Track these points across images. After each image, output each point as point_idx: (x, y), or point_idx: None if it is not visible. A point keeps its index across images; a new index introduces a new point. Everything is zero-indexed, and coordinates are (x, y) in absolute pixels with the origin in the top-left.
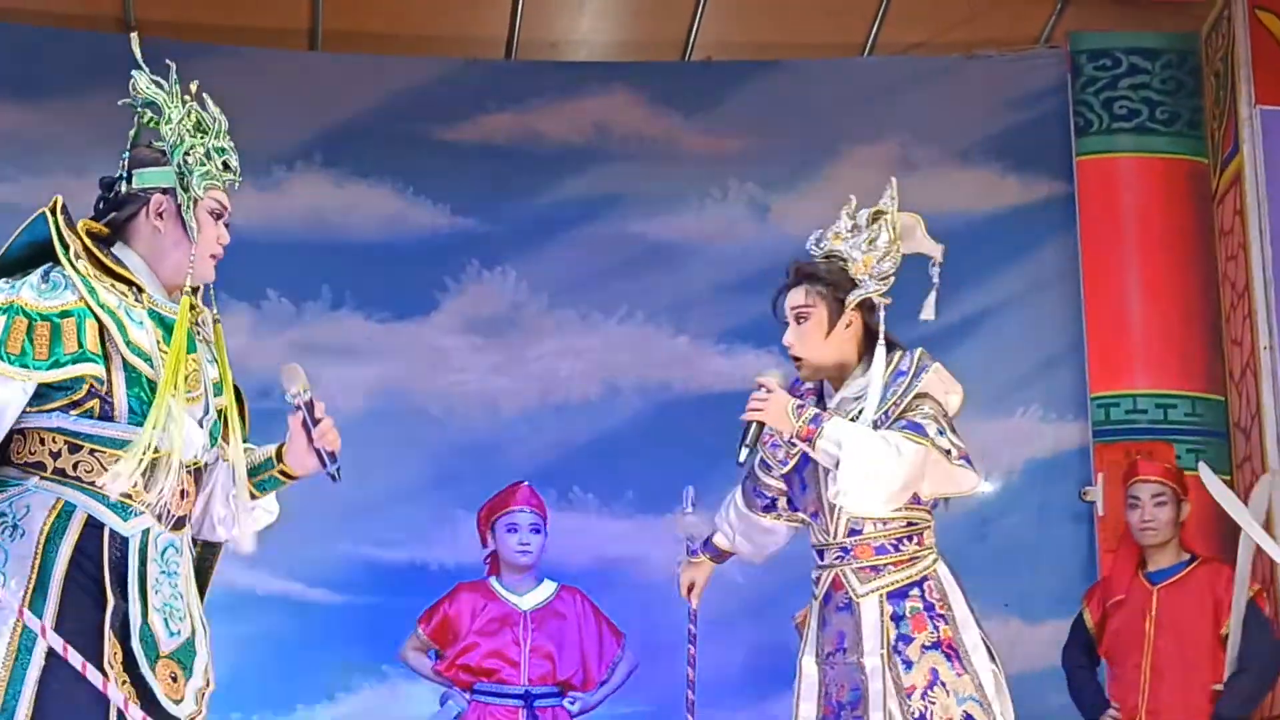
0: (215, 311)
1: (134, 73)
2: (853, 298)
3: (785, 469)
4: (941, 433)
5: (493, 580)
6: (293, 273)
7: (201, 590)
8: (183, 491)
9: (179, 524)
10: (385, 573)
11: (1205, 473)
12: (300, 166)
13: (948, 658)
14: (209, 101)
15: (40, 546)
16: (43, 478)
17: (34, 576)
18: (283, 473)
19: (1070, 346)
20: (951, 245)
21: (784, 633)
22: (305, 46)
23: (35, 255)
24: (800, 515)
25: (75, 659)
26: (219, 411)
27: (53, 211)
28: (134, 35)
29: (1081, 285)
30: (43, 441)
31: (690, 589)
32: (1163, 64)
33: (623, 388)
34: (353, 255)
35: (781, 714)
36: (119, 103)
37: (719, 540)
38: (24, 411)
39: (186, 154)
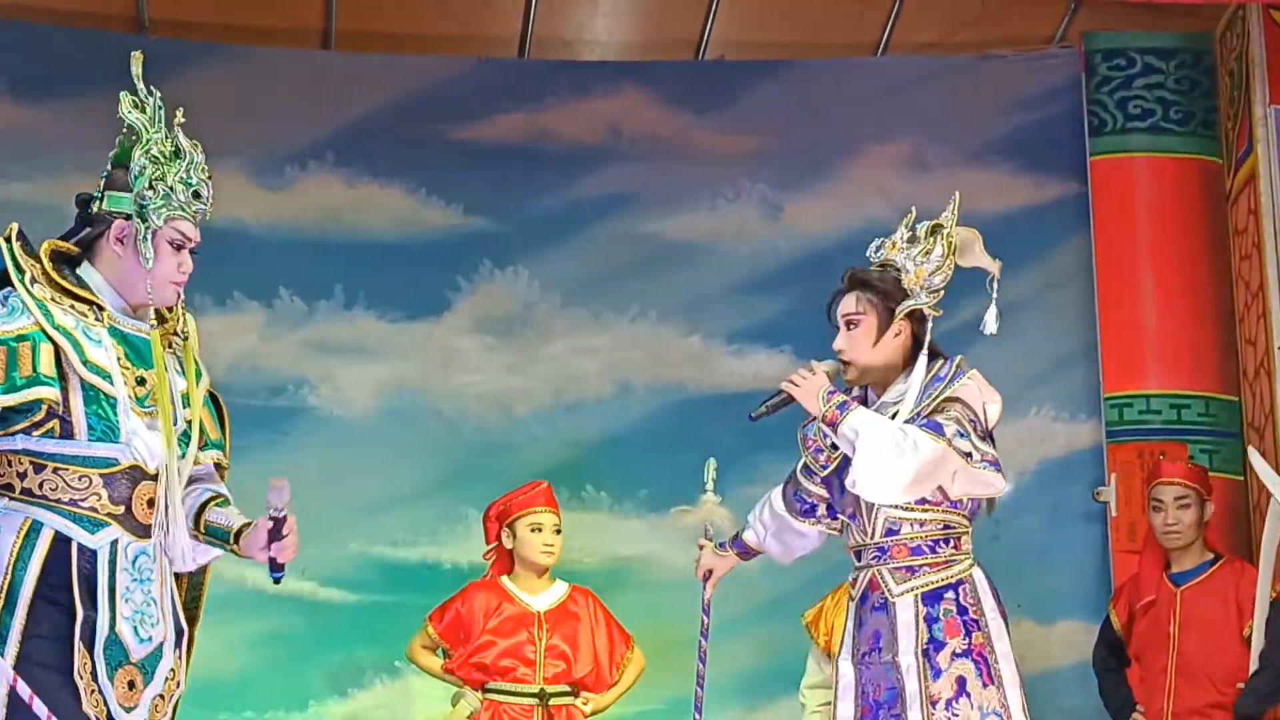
0: (185, 325)
1: (122, 94)
2: (902, 308)
3: (826, 472)
4: (962, 435)
5: (504, 579)
6: (305, 272)
7: (197, 607)
8: (149, 500)
9: (150, 532)
10: (398, 571)
11: (1256, 458)
12: (313, 166)
13: (977, 666)
14: (180, 133)
15: (10, 566)
16: (11, 499)
17: (3, 593)
18: (233, 550)
19: (1083, 346)
20: None
21: (794, 632)
22: (318, 46)
23: None
24: (838, 522)
25: (40, 709)
26: (188, 422)
27: (7, 240)
28: (136, 55)
29: (1095, 285)
30: (9, 464)
31: (707, 576)
32: (1177, 64)
33: (635, 387)
34: (365, 254)
35: (789, 713)
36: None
37: (748, 538)
38: None
39: (149, 184)
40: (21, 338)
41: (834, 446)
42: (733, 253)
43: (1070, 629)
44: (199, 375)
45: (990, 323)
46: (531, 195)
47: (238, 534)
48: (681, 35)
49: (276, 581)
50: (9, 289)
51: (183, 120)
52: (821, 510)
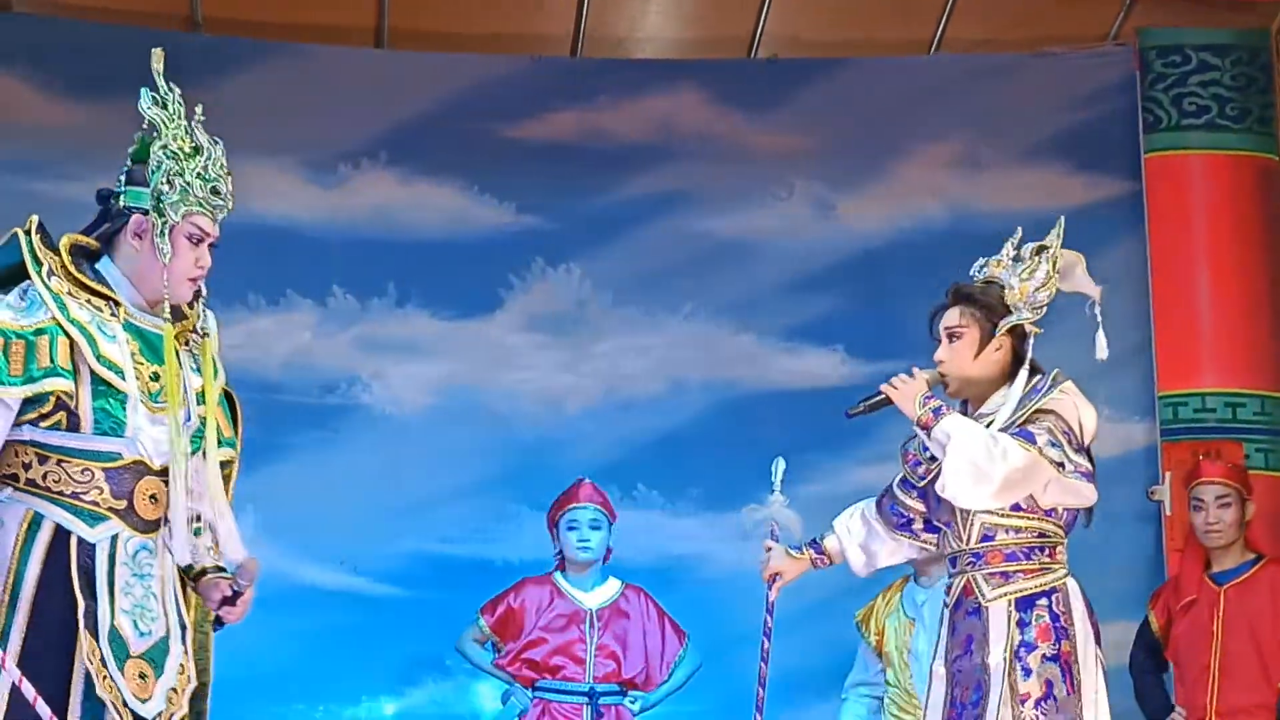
0: (205, 323)
1: (142, 89)
2: (1004, 323)
3: (924, 483)
4: (1054, 445)
5: (558, 576)
6: (358, 270)
7: (205, 659)
8: (152, 496)
9: (152, 527)
10: (450, 569)
11: None
12: (366, 164)
13: (1062, 673)
14: (199, 129)
15: (14, 559)
16: (16, 489)
17: (7, 589)
18: (189, 581)
19: (1137, 346)
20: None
21: (845, 631)
22: (371, 44)
23: (15, 274)
24: (934, 537)
25: (28, 691)
26: (202, 420)
27: (27, 232)
28: (156, 51)
29: (1150, 284)
30: (16, 454)
31: (774, 577)
32: (1233, 60)
33: (687, 385)
34: (418, 252)
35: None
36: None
37: (829, 545)
38: None
39: (167, 179)
40: (39, 331)
41: (933, 459)
42: (785, 251)
43: (1125, 629)
44: (216, 373)
45: (1101, 347)
46: (584, 193)
47: (200, 573)
48: (733, 33)
49: (215, 630)
50: (28, 282)
51: (202, 118)
52: (917, 525)
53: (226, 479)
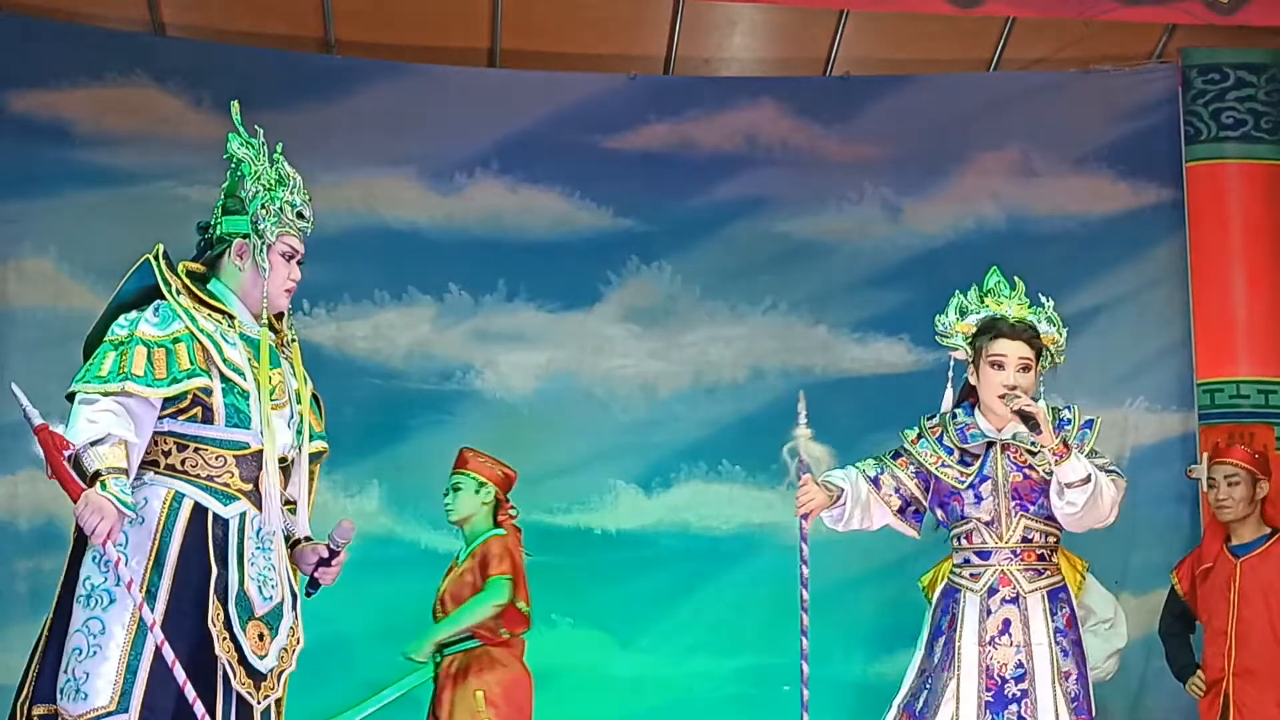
0: (294, 333)
1: (229, 135)
2: (1044, 360)
3: (964, 485)
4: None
5: None
6: (472, 268)
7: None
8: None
9: None
10: (553, 536)
11: None
12: (479, 173)
13: (1081, 654)
14: (284, 162)
15: (158, 531)
16: (156, 473)
17: (152, 557)
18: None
19: (1177, 341)
20: (1068, 246)
21: (910, 592)
22: (484, 64)
23: (144, 296)
24: (917, 524)
25: (168, 654)
26: (300, 416)
27: (155, 259)
28: (235, 104)
29: (1190, 283)
30: (156, 443)
31: (806, 514)
32: (1268, 77)
33: (767, 372)
34: (526, 252)
35: (905, 665)
36: (224, 157)
37: (846, 493)
38: None
39: (262, 206)
40: (177, 339)
41: (963, 464)
42: (856, 250)
43: (1162, 597)
44: (305, 379)
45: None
46: (675, 198)
47: (295, 543)
48: (810, 53)
49: (308, 595)
50: (159, 301)
51: (281, 154)
52: (912, 509)
53: (316, 469)
